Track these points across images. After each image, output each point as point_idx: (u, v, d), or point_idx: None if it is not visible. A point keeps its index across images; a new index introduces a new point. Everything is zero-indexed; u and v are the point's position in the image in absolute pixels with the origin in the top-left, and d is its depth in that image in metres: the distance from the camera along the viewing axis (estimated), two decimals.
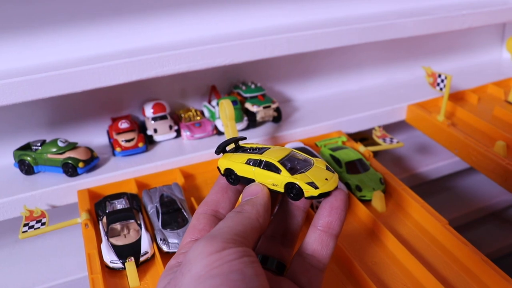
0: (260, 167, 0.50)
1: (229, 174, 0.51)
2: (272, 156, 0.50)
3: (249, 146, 0.55)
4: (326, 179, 0.48)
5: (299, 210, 0.51)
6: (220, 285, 0.35)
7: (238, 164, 0.51)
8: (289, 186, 0.48)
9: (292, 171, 0.48)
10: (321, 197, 0.47)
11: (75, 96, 0.88)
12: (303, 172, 0.48)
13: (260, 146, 0.54)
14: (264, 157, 0.50)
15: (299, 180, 0.47)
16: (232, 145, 0.55)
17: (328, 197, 0.48)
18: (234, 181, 0.51)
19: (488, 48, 1.44)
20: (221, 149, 0.54)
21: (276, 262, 0.48)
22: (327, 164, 0.51)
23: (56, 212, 0.87)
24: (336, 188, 0.48)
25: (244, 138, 0.56)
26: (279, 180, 0.48)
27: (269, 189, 0.49)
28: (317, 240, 0.47)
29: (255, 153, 0.51)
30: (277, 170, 0.48)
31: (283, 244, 0.50)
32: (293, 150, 0.53)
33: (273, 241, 0.50)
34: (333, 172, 0.50)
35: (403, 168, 1.25)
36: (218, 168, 0.53)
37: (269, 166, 0.49)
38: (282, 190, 0.48)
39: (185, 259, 0.39)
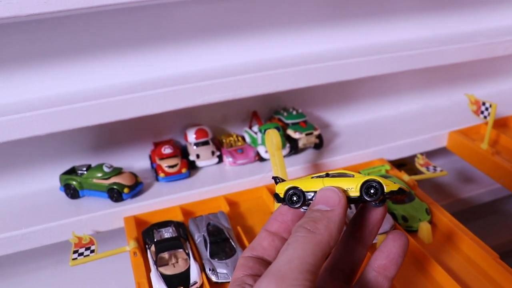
0: (329, 177, 0.46)
1: (292, 194, 0.46)
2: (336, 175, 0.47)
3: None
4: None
5: (362, 245, 0.49)
6: None
7: (303, 180, 0.47)
8: (367, 186, 0.44)
9: None
10: (400, 193, 0.44)
11: (119, 120, 0.89)
12: None
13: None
14: (329, 172, 0.47)
15: (376, 177, 0.45)
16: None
17: (387, 240, 0.46)
18: (298, 199, 0.46)
19: None
20: (277, 181, 0.50)
21: None
22: None
23: (98, 236, 0.88)
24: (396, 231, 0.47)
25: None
26: (354, 182, 0.45)
27: None
28: (371, 280, 0.46)
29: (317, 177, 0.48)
30: (350, 176, 0.46)
31: (341, 280, 0.49)
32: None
33: (331, 275, 0.49)
34: None
35: (443, 194, 1.23)
36: (275, 196, 0.48)
37: (340, 175, 0.46)
38: (358, 193, 0.44)
39: None
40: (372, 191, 0.44)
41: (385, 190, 0.44)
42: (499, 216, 1.38)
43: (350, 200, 0.44)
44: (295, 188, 0.46)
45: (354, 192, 0.44)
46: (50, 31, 0.86)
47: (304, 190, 0.46)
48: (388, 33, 1.14)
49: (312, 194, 0.45)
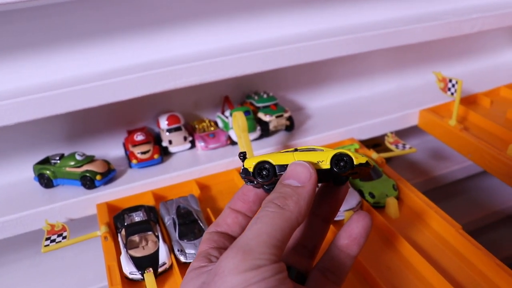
0: (298, 151, 0.47)
1: (261, 168, 0.46)
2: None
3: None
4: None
5: (324, 222, 0.50)
6: None
7: (272, 155, 0.46)
8: (337, 158, 0.45)
9: None
10: (368, 165, 0.46)
11: (91, 110, 0.89)
12: None
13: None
14: (298, 148, 0.47)
15: (345, 151, 0.45)
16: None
17: (351, 220, 0.47)
18: (268, 175, 0.45)
19: (500, 50, 1.44)
20: (243, 156, 0.49)
21: (296, 273, 0.49)
22: None
23: (74, 224, 0.89)
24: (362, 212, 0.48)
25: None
26: (324, 156, 0.45)
27: None
28: (334, 258, 0.48)
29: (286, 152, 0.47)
30: (319, 150, 0.46)
31: (304, 255, 0.50)
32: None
33: (294, 250, 0.50)
34: None
35: (417, 173, 1.25)
36: (242, 171, 0.47)
37: (309, 150, 0.46)
38: (328, 166, 0.45)
39: (217, 268, 0.38)
40: (341, 163, 0.45)
41: (354, 162, 0.45)
42: (471, 194, 1.40)
43: (319, 174, 0.44)
44: (265, 162, 0.46)
45: (325, 165, 0.45)
46: (19, 23, 0.86)
47: (274, 163, 0.45)
48: (356, 15, 1.14)
49: (282, 168, 0.45)
